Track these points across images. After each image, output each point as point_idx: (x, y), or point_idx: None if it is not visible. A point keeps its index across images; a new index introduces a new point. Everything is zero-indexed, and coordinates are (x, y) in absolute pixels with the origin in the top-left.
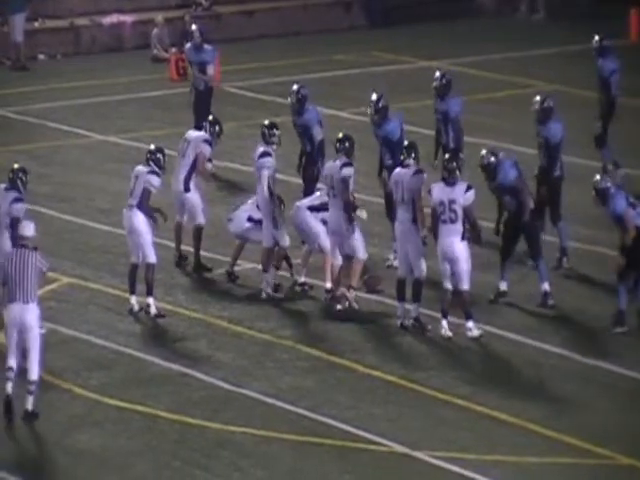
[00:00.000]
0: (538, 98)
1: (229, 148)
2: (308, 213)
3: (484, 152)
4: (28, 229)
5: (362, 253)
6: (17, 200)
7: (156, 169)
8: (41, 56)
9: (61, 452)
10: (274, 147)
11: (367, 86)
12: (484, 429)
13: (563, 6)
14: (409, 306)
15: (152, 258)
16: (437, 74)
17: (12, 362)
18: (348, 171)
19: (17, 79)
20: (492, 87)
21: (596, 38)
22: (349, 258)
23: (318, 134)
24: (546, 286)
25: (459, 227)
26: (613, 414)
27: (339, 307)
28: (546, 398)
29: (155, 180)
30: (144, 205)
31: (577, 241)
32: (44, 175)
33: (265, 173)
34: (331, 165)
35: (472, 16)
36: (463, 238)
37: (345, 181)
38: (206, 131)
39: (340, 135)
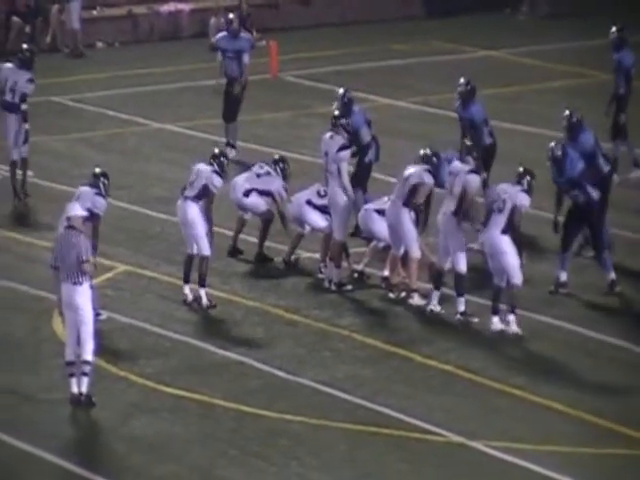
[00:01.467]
0: (567, 113)
1: (286, 137)
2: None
3: (553, 144)
4: (73, 209)
5: (415, 251)
6: (98, 194)
7: (217, 169)
8: (99, 44)
9: (117, 439)
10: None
11: (425, 75)
12: (539, 419)
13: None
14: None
15: (206, 251)
16: (462, 80)
17: (70, 356)
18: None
19: (75, 67)
20: (548, 77)
21: (613, 29)
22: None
23: (366, 135)
24: (612, 275)
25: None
26: None
27: (391, 295)
28: (602, 389)
29: (217, 180)
30: (203, 202)
31: (629, 231)
32: (101, 163)
33: (345, 166)
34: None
35: (530, 6)
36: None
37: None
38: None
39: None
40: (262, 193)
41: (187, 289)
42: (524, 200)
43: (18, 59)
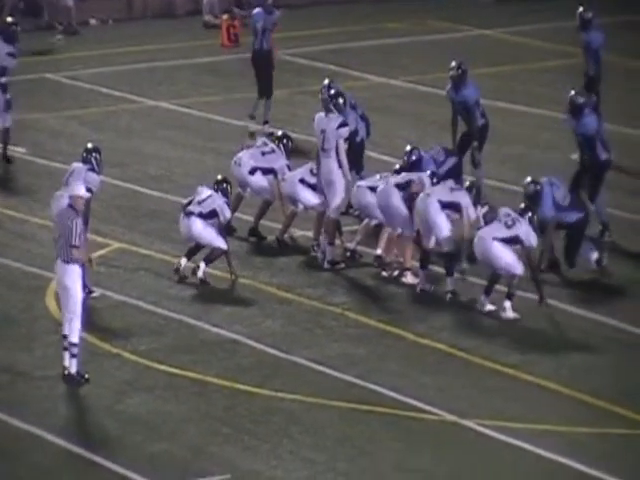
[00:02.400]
0: (572, 92)
1: (282, 115)
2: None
3: (528, 180)
4: (78, 188)
5: (410, 230)
6: (91, 170)
7: (226, 199)
8: (93, 21)
9: (111, 417)
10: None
11: (419, 54)
12: (533, 398)
13: None
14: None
15: (224, 245)
16: (453, 63)
17: (67, 330)
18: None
19: (68, 44)
20: (545, 56)
21: (580, 10)
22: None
23: (352, 122)
24: (595, 255)
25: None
26: None
27: (384, 274)
28: (596, 368)
29: (227, 213)
30: (210, 221)
31: (624, 211)
32: (96, 141)
33: (342, 143)
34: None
35: None
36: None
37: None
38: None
39: None
40: (266, 172)
41: (184, 261)
42: (534, 242)
43: (1, 33)
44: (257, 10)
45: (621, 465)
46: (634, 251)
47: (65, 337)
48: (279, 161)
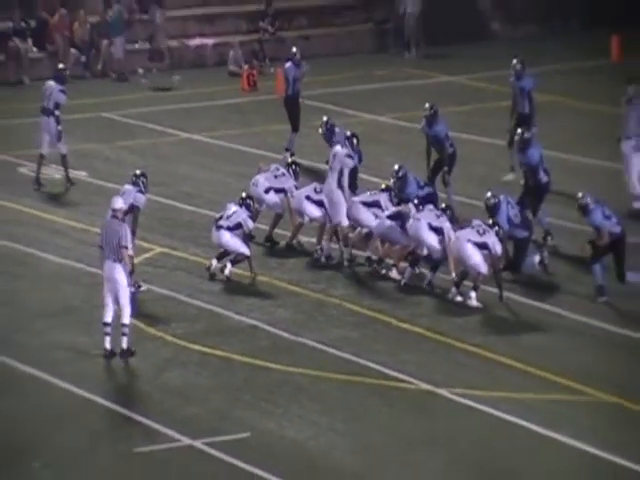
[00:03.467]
0: (519, 130)
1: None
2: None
3: (489, 194)
4: (116, 202)
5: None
6: (139, 191)
7: (249, 213)
8: (140, 70)
9: (154, 387)
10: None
11: (401, 96)
12: (493, 371)
13: (558, 32)
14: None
15: (247, 252)
16: (426, 105)
17: (108, 318)
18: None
19: (120, 89)
20: (499, 97)
21: (514, 62)
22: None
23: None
24: (538, 257)
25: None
26: (598, 360)
27: (383, 270)
28: (544, 347)
29: (250, 223)
30: (236, 232)
31: (567, 220)
32: (141, 165)
33: (347, 171)
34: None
35: (486, 39)
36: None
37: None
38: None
39: None
40: (278, 191)
41: (214, 262)
42: (499, 251)
43: (54, 76)
44: (288, 64)
45: (563, 424)
46: (572, 253)
47: (107, 324)
48: (289, 182)
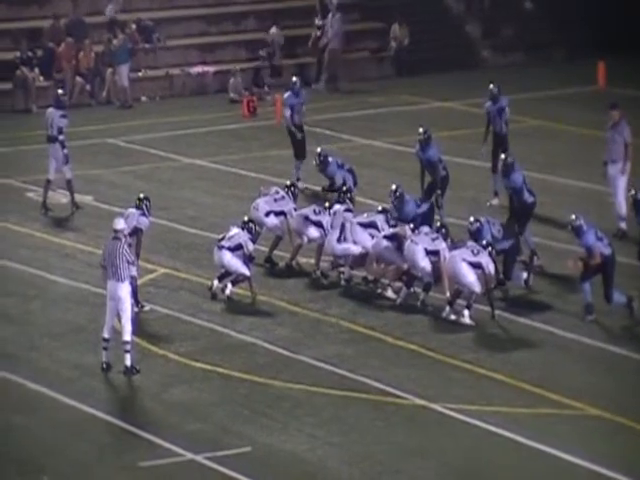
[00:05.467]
0: (502, 156)
1: (288, 169)
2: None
3: (472, 219)
4: (118, 223)
5: (401, 264)
6: (142, 215)
7: (250, 236)
8: (143, 98)
9: (158, 403)
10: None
11: (395, 121)
12: (485, 387)
13: (545, 60)
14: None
15: (247, 272)
16: (420, 130)
17: (107, 334)
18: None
19: (125, 116)
20: None
21: (491, 86)
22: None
23: (339, 179)
24: (524, 276)
25: None
26: (585, 375)
27: (379, 290)
28: (533, 363)
29: (251, 246)
30: (237, 253)
31: (553, 240)
32: (145, 189)
33: (348, 225)
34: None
35: (476, 67)
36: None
37: None
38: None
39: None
40: (278, 214)
41: (216, 282)
42: (492, 270)
43: (54, 102)
44: (287, 94)
45: (550, 437)
46: (559, 273)
47: (105, 339)
48: (288, 205)
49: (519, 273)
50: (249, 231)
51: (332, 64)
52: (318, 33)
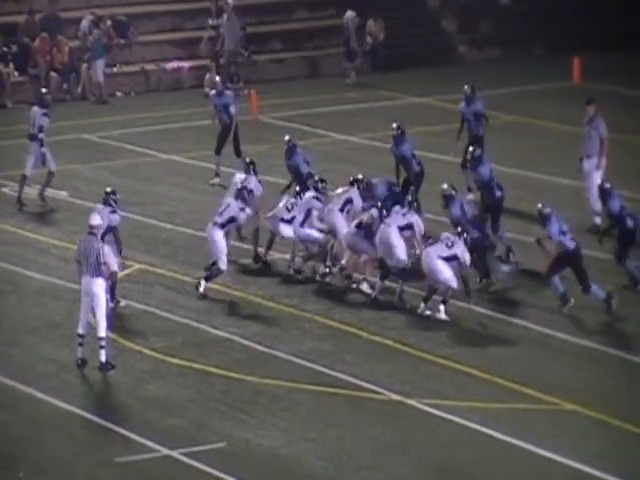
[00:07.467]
0: (471, 149)
1: (264, 164)
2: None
3: (445, 186)
4: (94, 219)
5: (374, 254)
6: (113, 212)
7: (245, 207)
8: (118, 93)
9: (134, 399)
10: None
11: (371, 117)
12: (461, 382)
13: (521, 56)
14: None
15: (223, 266)
16: (394, 125)
17: (81, 330)
18: None
19: (100, 111)
20: None
21: (465, 87)
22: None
23: (305, 169)
24: (505, 268)
25: None
26: (561, 370)
27: (354, 285)
28: (509, 359)
29: (242, 217)
30: (228, 228)
31: (528, 235)
32: (121, 185)
33: (314, 212)
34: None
35: (453, 62)
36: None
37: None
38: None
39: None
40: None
41: (203, 283)
42: (468, 259)
43: (37, 100)
44: (212, 92)
45: (526, 432)
46: (535, 268)
47: (80, 335)
48: (252, 182)
49: (500, 268)
50: (243, 200)
51: (228, 66)
52: (212, 34)
